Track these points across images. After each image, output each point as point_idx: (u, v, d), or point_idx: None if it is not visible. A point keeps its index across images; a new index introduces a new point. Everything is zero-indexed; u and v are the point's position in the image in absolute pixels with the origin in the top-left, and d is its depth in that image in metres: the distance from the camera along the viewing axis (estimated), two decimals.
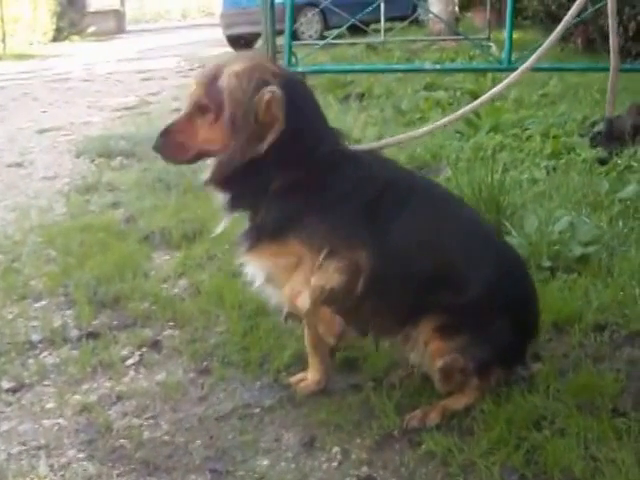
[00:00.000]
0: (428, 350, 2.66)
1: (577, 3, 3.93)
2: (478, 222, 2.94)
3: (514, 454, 2.46)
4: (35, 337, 3.51)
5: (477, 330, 2.64)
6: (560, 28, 3.90)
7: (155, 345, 3.38)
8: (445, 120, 3.73)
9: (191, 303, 3.71)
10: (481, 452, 2.49)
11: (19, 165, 7.18)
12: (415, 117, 7.72)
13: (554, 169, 5.39)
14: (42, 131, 8.84)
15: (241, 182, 2.55)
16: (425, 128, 3.70)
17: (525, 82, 8.47)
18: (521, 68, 3.59)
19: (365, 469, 2.50)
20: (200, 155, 2.59)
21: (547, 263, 3.75)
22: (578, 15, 9.41)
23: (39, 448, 2.72)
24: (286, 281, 2.57)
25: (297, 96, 2.55)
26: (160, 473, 2.53)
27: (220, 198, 2.65)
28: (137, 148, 7.23)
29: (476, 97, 7.68)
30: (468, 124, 6.63)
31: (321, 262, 2.49)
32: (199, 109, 2.53)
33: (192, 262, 4.22)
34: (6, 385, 3.14)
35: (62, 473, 2.58)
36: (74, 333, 3.53)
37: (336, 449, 2.59)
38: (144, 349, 3.36)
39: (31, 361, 3.32)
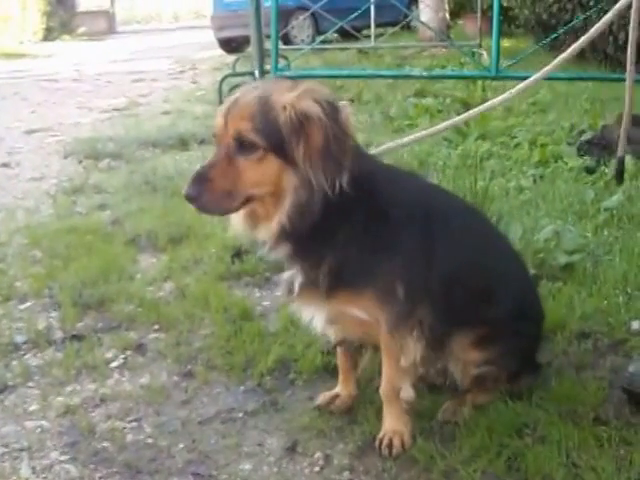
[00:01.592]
0: (462, 359, 2.70)
1: (604, 19, 3.96)
2: (503, 238, 3.00)
3: (496, 461, 2.47)
4: (19, 338, 3.50)
5: (510, 341, 2.69)
6: (585, 39, 3.92)
7: (139, 348, 3.38)
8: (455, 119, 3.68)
9: (176, 306, 3.71)
10: (463, 459, 2.49)
11: (6, 165, 7.17)
12: (404, 123, 7.73)
13: (541, 177, 5.42)
14: (30, 131, 8.82)
15: (312, 228, 2.27)
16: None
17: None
18: (535, 76, 3.50)
19: (347, 474, 2.50)
20: (247, 201, 2.25)
21: (532, 271, 3.75)
22: (568, 22, 9.48)
23: (21, 450, 2.71)
24: (355, 329, 2.57)
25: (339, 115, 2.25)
26: (143, 476, 2.53)
27: (276, 251, 2.39)
28: (125, 150, 7.24)
29: (466, 105, 7.77)
30: (456, 131, 6.66)
31: (401, 341, 2.48)
32: (241, 147, 2.18)
33: (178, 265, 4.22)
34: None
35: (44, 475, 2.57)
36: (58, 335, 3.52)
37: (318, 454, 2.59)
38: (128, 352, 3.35)
39: (15, 362, 3.30)
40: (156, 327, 3.54)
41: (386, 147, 2.91)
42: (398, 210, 2.43)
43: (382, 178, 2.45)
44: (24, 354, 3.39)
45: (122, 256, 4.36)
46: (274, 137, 2.15)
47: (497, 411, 2.69)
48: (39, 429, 2.83)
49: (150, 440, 2.72)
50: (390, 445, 2.56)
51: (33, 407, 2.98)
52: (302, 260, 2.37)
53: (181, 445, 2.68)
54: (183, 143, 7.42)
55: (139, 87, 12.79)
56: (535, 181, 5.34)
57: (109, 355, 3.33)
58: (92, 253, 4.39)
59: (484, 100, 7.96)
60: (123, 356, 3.32)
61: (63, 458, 2.65)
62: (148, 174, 6.06)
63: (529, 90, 8.68)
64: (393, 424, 2.60)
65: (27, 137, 8.53)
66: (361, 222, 2.36)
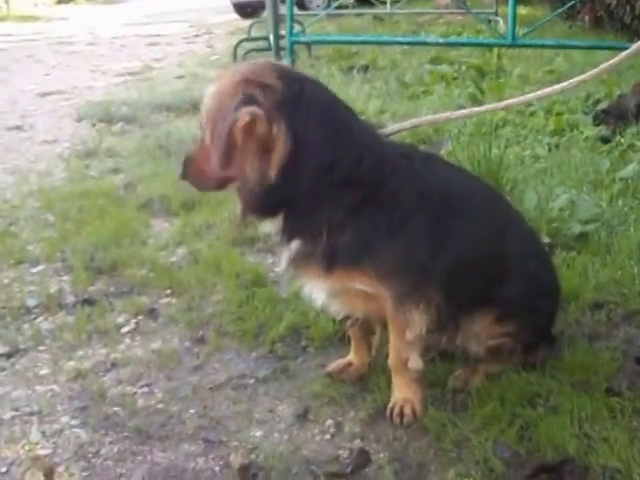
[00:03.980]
0: (477, 333, 2.69)
1: None
2: (519, 217, 2.94)
3: (507, 430, 2.46)
4: (31, 302, 3.50)
5: (526, 316, 2.69)
6: None
7: (151, 313, 3.38)
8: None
9: (189, 271, 3.70)
10: (474, 428, 2.49)
11: (19, 128, 7.15)
12: (419, 90, 7.65)
13: (556, 146, 5.36)
14: (44, 94, 8.78)
15: (293, 207, 2.35)
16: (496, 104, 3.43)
17: (531, 59, 8.43)
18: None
19: (358, 442, 2.50)
20: (223, 182, 2.40)
21: (546, 240, 3.73)
22: None
23: (32, 414, 2.72)
24: (358, 304, 2.56)
25: (308, 104, 2.28)
26: (153, 441, 2.53)
27: (269, 226, 2.47)
28: (139, 114, 7.20)
29: (481, 72, 7.68)
30: (472, 99, 6.60)
31: (406, 315, 2.47)
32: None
33: (191, 230, 4.21)
34: (0, 350, 3.14)
35: (54, 440, 2.58)
36: (70, 299, 3.52)
37: (329, 422, 2.59)
38: (140, 317, 3.35)
39: (26, 326, 3.31)
40: (168, 292, 3.53)
41: (399, 127, 2.81)
42: (407, 193, 2.41)
43: (392, 159, 2.44)
44: (35, 318, 3.39)
45: (135, 220, 4.36)
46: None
47: (509, 380, 2.68)
48: (49, 393, 2.83)
49: (161, 405, 2.72)
50: (401, 414, 2.56)
51: (44, 371, 2.99)
52: (297, 236, 2.41)
53: (192, 411, 2.68)
54: (197, 107, 7.25)
55: (154, 51, 12.72)
56: (550, 150, 5.28)
57: (121, 320, 3.33)
58: (105, 217, 4.38)
59: (499, 68, 7.91)
60: (135, 321, 3.32)
61: (73, 422, 2.65)
62: (162, 138, 6.03)
63: (545, 58, 8.66)
64: (403, 393, 2.59)
65: (41, 100, 8.50)
66: (364, 203, 2.36)
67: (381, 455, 2.45)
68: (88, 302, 3.47)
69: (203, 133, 2.35)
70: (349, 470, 2.37)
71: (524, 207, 4.00)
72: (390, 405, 2.59)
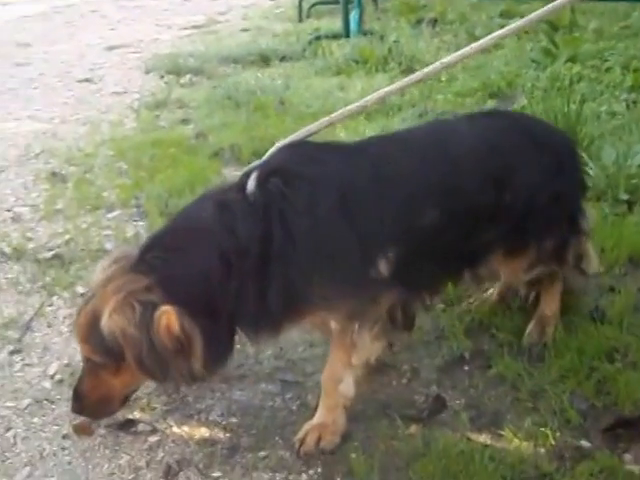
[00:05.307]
0: (507, 273, 2.65)
1: None
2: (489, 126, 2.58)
3: (585, 383, 2.45)
4: (108, 245, 3.57)
5: (545, 228, 2.53)
6: None
7: None
8: None
9: None
10: (551, 379, 2.48)
11: (89, 81, 7.21)
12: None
13: (634, 102, 5.21)
14: (111, 48, 8.83)
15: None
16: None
17: (606, 13, 8.18)
18: None
19: (434, 388, 2.51)
20: (128, 397, 2.30)
21: (624, 196, 3.67)
22: None
23: None
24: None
25: (185, 265, 2.09)
26: (231, 380, 2.58)
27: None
28: (206, 66, 7.21)
29: (554, 27, 7.49)
30: (545, 53, 6.44)
31: (352, 338, 2.23)
32: (95, 364, 2.14)
33: None
34: (81, 290, 3.21)
35: None
36: None
37: (406, 367, 2.61)
38: None
39: None
40: None
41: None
42: (307, 215, 2.13)
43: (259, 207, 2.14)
44: None
45: (207, 168, 4.38)
46: (113, 351, 2.03)
47: (586, 334, 2.66)
48: None
49: (238, 346, 2.74)
50: (303, 440, 2.30)
51: None
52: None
53: (269, 352, 2.72)
54: (264, 59, 7.34)
55: (217, 5, 12.65)
56: (628, 106, 5.13)
57: None
58: (177, 165, 4.42)
59: (573, 22, 7.70)
60: None
61: None
62: (230, 89, 6.04)
63: (620, 13, 8.41)
64: (322, 416, 2.33)
65: (108, 53, 8.55)
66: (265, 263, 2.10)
67: (457, 402, 2.46)
68: None
69: (88, 364, 2.17)
70: (425, 415, 2.39)
71: (602, 163, 3.93)
72: (300, 434, 2.32)
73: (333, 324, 2.24)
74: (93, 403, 2.22)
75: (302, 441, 2.28)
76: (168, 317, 1.96)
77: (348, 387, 2.30)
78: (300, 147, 2.44)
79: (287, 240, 2.09)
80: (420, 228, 2.28)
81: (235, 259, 2.07)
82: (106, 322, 1.99)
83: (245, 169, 2.37)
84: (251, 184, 2.17)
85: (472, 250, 2.46)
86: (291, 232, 2.10)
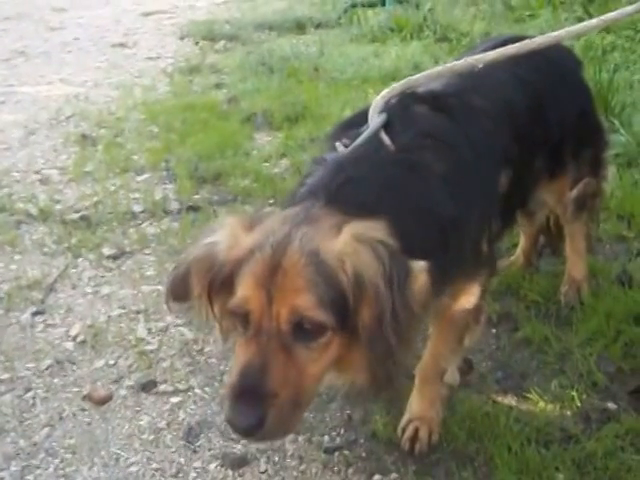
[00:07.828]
0: (552, 197, 2.60)
1: None
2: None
3: (612, 346, 2.41)
4: (136, 208, 3.58)
5: (578, 142, 2.55)
6: None
7: None
8: None
9: (292, 182, 3.66)
10: (578, 342, 2.45)
11: (123, 45, 7.22)
12: (525, 14, 7.37)
13: None
14: (146, 14, 8.83)
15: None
16: None
17: None
18: None
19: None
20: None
21: None
22: None
23: (138, 312, 2.80)
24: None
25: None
26: None
27: None
28: (241, 32, 7.18)
29: None
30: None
31: (474, 315, 2.05)
32: (302, 331, 1.48)
33: (293, 143, 4.19)
34: (107, 252, 3.22)
35: (159, 337, 2.65)
36: (175, 206, 3.57)
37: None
38: None
39: (132, 230, 3.38)
40: (272, 201, 3.53)
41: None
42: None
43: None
44: (141, 223, 3.46)
45: (238, 133, 4.36)
46: (340, 309, 1.50)
47: (614, 298, 2.61)
48: (155, 293, 2.90)
49: None
50: (414, 437, 2.15)
51: (149, 272, 3.06)
52: None
53: None
54: (300, 27, 7.28)
55: None
56: None
57: None
58: (208, 129, 4.41)
59: None
60: None
61: (178, 321, 2.71)
62: (264, 55, 6.00)
63: None
64: (424, 410, 2.18)
65: (143, 19, 8.55)
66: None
67: (484, 364, 2.43)
68: (192, 209, 3.51)
69: (275, 340, 1.49)
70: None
71: (633, 130, 3.85)
72: (402, 423, 2.19)
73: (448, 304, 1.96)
74: (284, 406, 1.48)
75: (412, 440, 2.14)
76: (423, 277, 1.54)
77: (454, 376, 2.25)
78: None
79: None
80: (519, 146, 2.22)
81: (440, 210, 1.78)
82: (350, 259, 1.49)
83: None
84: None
85: (530, 180, 2.42)
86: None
